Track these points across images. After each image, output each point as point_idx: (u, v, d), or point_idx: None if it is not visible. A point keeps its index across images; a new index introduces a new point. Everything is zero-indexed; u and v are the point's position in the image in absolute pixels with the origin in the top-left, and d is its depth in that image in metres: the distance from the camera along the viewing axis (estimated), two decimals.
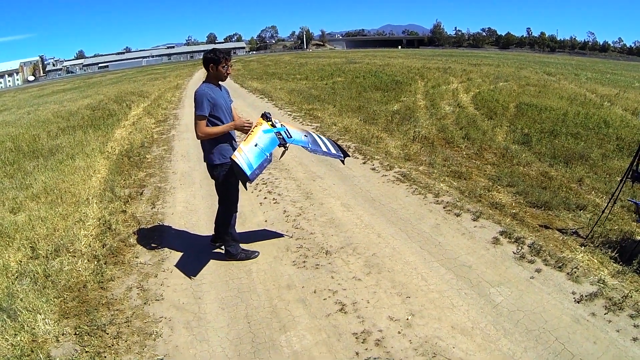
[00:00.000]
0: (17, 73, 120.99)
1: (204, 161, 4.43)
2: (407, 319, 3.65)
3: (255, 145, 4.02)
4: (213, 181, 4.53)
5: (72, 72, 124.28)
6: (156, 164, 8.70)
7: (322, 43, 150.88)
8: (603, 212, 5.19)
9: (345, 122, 11.50)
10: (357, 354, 3.30)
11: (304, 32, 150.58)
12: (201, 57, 4.39)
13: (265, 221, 5.73)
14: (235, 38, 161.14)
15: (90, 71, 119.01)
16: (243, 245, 4.83)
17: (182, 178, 7.69)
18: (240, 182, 4.29)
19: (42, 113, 20.57)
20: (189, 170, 8.08)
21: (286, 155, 7.74)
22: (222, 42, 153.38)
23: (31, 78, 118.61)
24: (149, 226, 5.75)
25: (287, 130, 4.41)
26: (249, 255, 4.74)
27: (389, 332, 3.50)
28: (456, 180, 6.96)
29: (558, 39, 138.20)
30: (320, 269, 4.48)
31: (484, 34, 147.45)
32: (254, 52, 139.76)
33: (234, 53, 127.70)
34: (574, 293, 3.94)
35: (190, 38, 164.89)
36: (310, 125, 11.41)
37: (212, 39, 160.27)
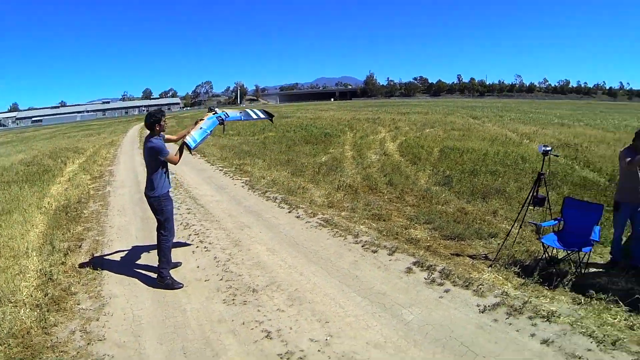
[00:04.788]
0: None
1: (145, 194, 5.46)
2: (326, 340, 4.08)
3: (200, 128, 5.79)
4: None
5: (4, 125, 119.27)
6: (93, 218, 8.74)
7: (255, 98, 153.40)
8: (508, 234, 5.90)
9: (274, 175, 11.89)
10: None
11: (239, 87, 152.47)
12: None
13: (197, 267, 6.00)
14: (171, 94, 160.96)
15: (23, 125, 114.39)
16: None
17: (119, 231, 7.77)
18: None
19: None
20: (125, 224, 8.18)
21: (216, 208, 8.12)
22: (158, 98, 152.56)
23: None
24: (89, 276, 5.86)
25: (226, 113, 6.28)
26: (174, 284, 5.36)
27: (309, 351, 3.92)
28: (376, 222, 7.50)
29: (487, 83, 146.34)
30: (248, 305, 4.85)
31: (416, 82, 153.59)
32: (189, 107, 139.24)
33: (169, 109, 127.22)
34: (478, 305, 4.55)
35: (126, 93, 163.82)
36: (240, 179, 11.83)
37: (147, 95, 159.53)
